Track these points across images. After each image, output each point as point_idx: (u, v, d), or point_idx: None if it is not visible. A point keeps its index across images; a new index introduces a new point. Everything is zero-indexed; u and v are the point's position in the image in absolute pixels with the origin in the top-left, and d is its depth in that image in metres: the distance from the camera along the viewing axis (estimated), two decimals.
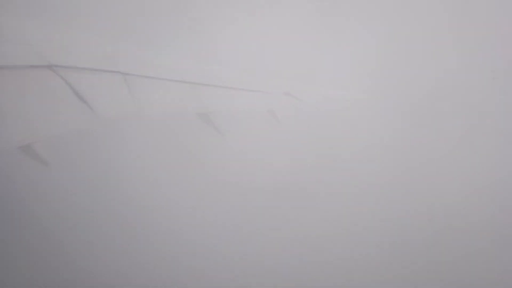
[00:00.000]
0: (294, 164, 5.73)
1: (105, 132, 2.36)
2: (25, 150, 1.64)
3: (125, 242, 3.48)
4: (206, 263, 3.90)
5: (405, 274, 4.14)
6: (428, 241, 4.70)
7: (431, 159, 6.27)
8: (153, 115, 2.25)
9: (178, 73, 2.71)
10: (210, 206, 4.28)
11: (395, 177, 5.58)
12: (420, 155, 6.21)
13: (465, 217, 5.15)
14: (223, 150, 4.82)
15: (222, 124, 2.73)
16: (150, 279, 3.58)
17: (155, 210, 3.96)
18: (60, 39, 2.19)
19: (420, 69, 6.84)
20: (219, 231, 4.13)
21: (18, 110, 1.55)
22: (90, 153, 3.54)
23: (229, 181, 4.80)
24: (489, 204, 5.39)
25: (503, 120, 6.57)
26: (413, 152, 6.16)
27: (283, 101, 3.60)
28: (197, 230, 3.98)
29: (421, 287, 4.24)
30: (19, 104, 1.56)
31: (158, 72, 2.50)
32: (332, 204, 4.90)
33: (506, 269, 4.32)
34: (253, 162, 5.28)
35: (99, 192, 3.51)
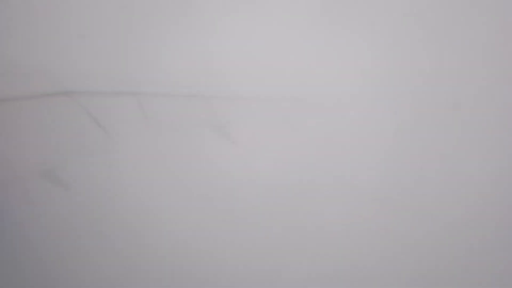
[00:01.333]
0: (309, 169, 5.70)
1: (122, 152, 2.39)
2: (47, 176, 1.67)
3: (146, 262, 3.50)
4: (216, 266, 3.91)
5: (406, 274, 4.09)
6: (429, 240, 4.64)
7: (433, 158, 6.18)
8: (167, 132, 2.28)
9: (189, 87, 2.74)
10: (224, 214, 4.28)
11: (406, 177, 5.52)
12: (425, 153, 6.13)
13: (463, 216, 5.08)
14: (236, 159, 4.83)
15: (236, 135, 2.73)
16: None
17: (175, 225, 3.98)
18: (73, 64, 2.23)
19: (426, 68, 6.78)
20: (233, 237, 4.14)
21: (38, 138, 1.59)
22: (109, 174, 3.58)
23: (243, 188, 4.79)
24: (486, 204, 5.31)
25: (502, 120, 6.49)
26: (422, 151, 6.09)
27: (296, 107, 3.60)
28: (213, 239, 3.99)
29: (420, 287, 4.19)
30: (39, 132, 1.60)
31: (169, 89, 2.52)
32: (346, 206, 4.86)
33: (506, 270, 4.26)
34: (268, 169, 5.27)
35: (121, 211, 3.54)
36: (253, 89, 3.68)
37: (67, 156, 1.67)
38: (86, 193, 2.97)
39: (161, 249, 3.87)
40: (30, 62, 1.93)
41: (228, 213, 4.43)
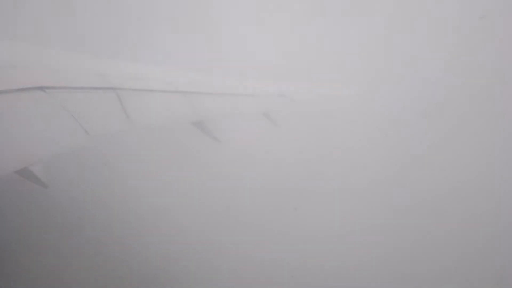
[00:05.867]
0: (291, 165, 5.77)
1: (101, 148, 2.36)
2: (23, 173, 1.62)
3: (126, 256, 3.47)
4: (206, 264, 3.92)
5: (405, 273, 4.18)
6: (427, 238, 4.78)
7: (425, 155, 6.37)
8: (147, 127, 2.25)
9: (170, 83, 2.71)
10: (210, 212, 4.30)
11: (390, 173, 5.68)
12: (414, 150, 6.31)
13: (459, 213, 5.27)
14: (220, 156, 4.84)
15: (218, 131, 2.72)
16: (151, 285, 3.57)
17: (157, 224, 3.97)
18: (49, 60, 2.18)
19: (413, 67, 6.94)
20: (219, 234, 4.16)
21: (12, 134, 1.54)
22: (87, 170, 3.55)
23: (227, 186, 4.83)
24: (483, 199, 5.52)
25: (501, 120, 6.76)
26: (408, 147, 6.25)
27: (278, 103, 3.61)
28: (198, 238, 4.01)
29: (419, 287, 4.29)
30: (13, 128, 1.55)
31: (150, 84, 2.49)
32: (330, 203, 4.95)
33: (504, 270, 4.40)
34: (251, 166, 5.32)
35: (99, 209, 3.50)
36: (234, 85, 3.66)
37: (44, 152, 1.63)
38: (64, 190, 2.91)
39: (145, 246, 3.82)
40: (5, 57, 1.88)
41: (213, 209, 4.39)
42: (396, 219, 4.96)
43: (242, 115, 3.42)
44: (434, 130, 6.72)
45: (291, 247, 4.29)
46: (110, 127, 1.87)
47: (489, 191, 5.77)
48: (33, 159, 1.60)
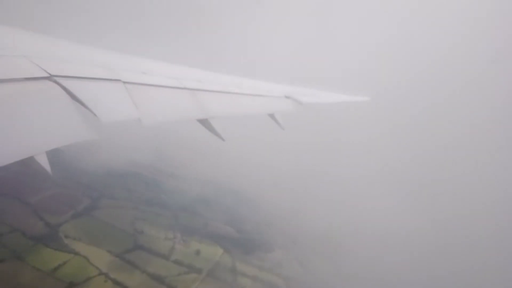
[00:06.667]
0: (296, 166, 5.78)
1: (106, 139, 2.38)
2: (28, 162, 1.62)
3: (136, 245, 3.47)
4: (205, 263, 3.93)
5: (405, 273, 4.17)
6: (429, 238, 4.78)
7: (430, 158, 6.38)
8: (154, 122, 2.25)
9: (178, 80, 2.71)
10: (210, 211, 4.32)
11: (396, 177, 5.68)
12: (420, 155, 6.32)
13: (463, 214, 5.26)
14: (224, 154, 4.87)
15: (223, 129, 2.72)
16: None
17: (156, 222, 3.98)
18: (58, 50, 2.18)
19: (419, 72, 6.93)
20: (223, 234, 4.17)
21: (20, 122, 1.53)
22: (92, 160, 3.59)
23: (228, 184, 4.86)
24: (488, 203, 5.51)
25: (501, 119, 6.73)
26: (413, 152, 6.25)
27: (284, 105, 3.60)
28: (198, 236, 4.02)
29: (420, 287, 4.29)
30: (21, 116, 1.55)
31: (158, 80, 2.48)
32: (334, 203, 4.96)
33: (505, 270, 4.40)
34: (255, 166, 5.34)
35: (103, 197, 3.53)
36: (241, 85, 3.69)
37: (53, 141, 1.63)
38: (69, 179, 2.92)
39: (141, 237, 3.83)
40: (10, 45, 1.89)
41: (214, 208, 4.47)
42: (400, 220, 4.95)
43: (248, 115, 3.42)
44: (443, 136, 6.73)
45: (291, 247, 4.29)
46: (119, 117, 1.86)
47: (495, 192, 5.76)
48: (41, 146, 1.59)
